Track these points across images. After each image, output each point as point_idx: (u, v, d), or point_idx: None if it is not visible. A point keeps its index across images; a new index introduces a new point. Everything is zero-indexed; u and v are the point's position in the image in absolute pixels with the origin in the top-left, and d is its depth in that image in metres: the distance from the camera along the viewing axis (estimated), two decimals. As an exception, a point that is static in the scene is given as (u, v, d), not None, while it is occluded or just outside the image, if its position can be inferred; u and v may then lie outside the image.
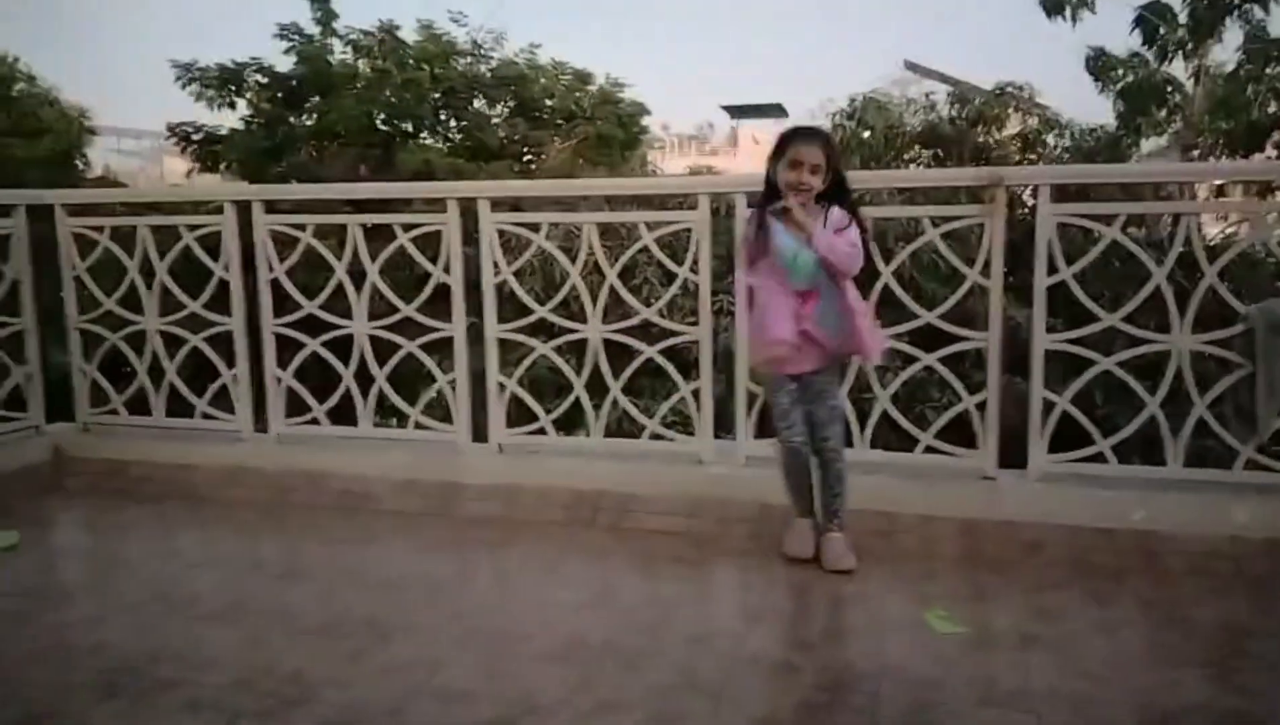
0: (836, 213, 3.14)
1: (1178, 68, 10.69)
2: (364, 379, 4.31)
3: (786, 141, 3.14)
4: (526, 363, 4.22)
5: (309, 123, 11.21)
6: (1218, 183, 7.32)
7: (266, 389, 4.38)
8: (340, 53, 11.24)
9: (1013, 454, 3.73)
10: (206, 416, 4.51)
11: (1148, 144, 10.57)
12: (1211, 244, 4.91)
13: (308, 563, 3.53)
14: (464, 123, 11.55)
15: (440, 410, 4.27)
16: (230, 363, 4.43)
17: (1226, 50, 10.63)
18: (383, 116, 11.06)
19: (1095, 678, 2.54)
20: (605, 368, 4.04)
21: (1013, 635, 2.79)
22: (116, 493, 4.27)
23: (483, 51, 11.66)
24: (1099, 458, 3.60)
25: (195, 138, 11.40)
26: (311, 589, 3.25)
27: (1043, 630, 2.81)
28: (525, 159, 11.51)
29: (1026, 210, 5.14)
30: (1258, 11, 10.30)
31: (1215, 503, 3.36)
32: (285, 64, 11.14)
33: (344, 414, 4.40)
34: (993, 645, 2.74)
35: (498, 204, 4.13)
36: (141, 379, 4.58)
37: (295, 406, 4.44)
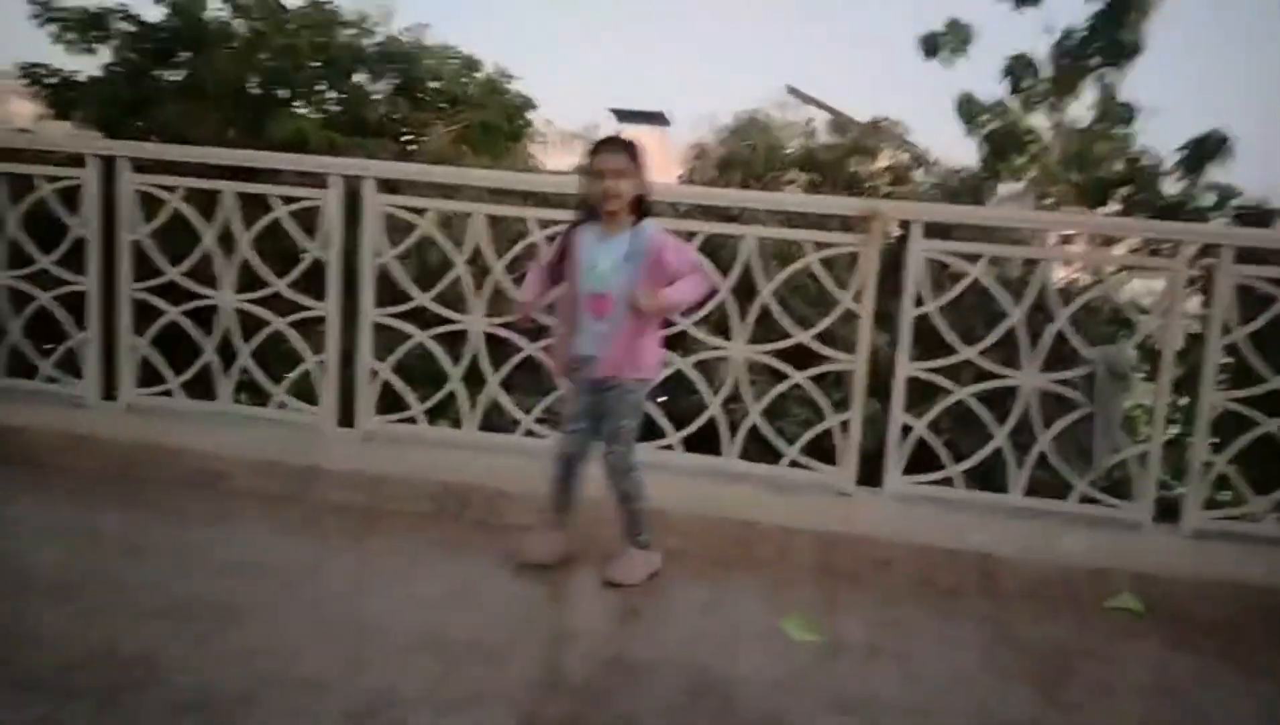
0: (650, 229, 3.14)
1: (1038, 119, 11.38)
2: (225, 354, 4.15)
3: (591, 153, 3.15)
4: (402, 350, 4.14)
5: (176, 79, 10.63)
6: (1065, 233, 7.87)
7: (119, 355, 4.16)
8: (217, 9, 10.71)
9: (865, 473, 3.91)
10: (50, 379, 4.24)
11: (1006, 188, 11.20)
12: (1056, 288, 5.27)
13: (155, 540, 3.36)
14: (343, 95, 11.18)
15: (296, 390, 4.14)
16: (81, 325, 4.19)
17: (1082, 106, 11.40)
18: (257, 80, 10.59)
19: (934, 690, 2.69)
20: (485, 361, 4.01)
21: (862, 646, 2.92)
22: (-57, 454, 3.97)
23: (368, 25, 11.33)
24: (948, 481, 3.82)
25: (49, 81, 10.64)
26: (158, 567, 3.10)
27: (889, 642, 2.96)
28: (405, 139, 11.23)
29: (891, 241, 5.36)
30: (1111, 74, 11.09)
31: (1050, 531, 3.61)
32: (155, 15, 10.54)
33: (200, 390, 4.22)
34: (843, 654, 2.86)
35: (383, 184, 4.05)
36: (-20, 335, 4.27)
37: (148, 377, 4.23)
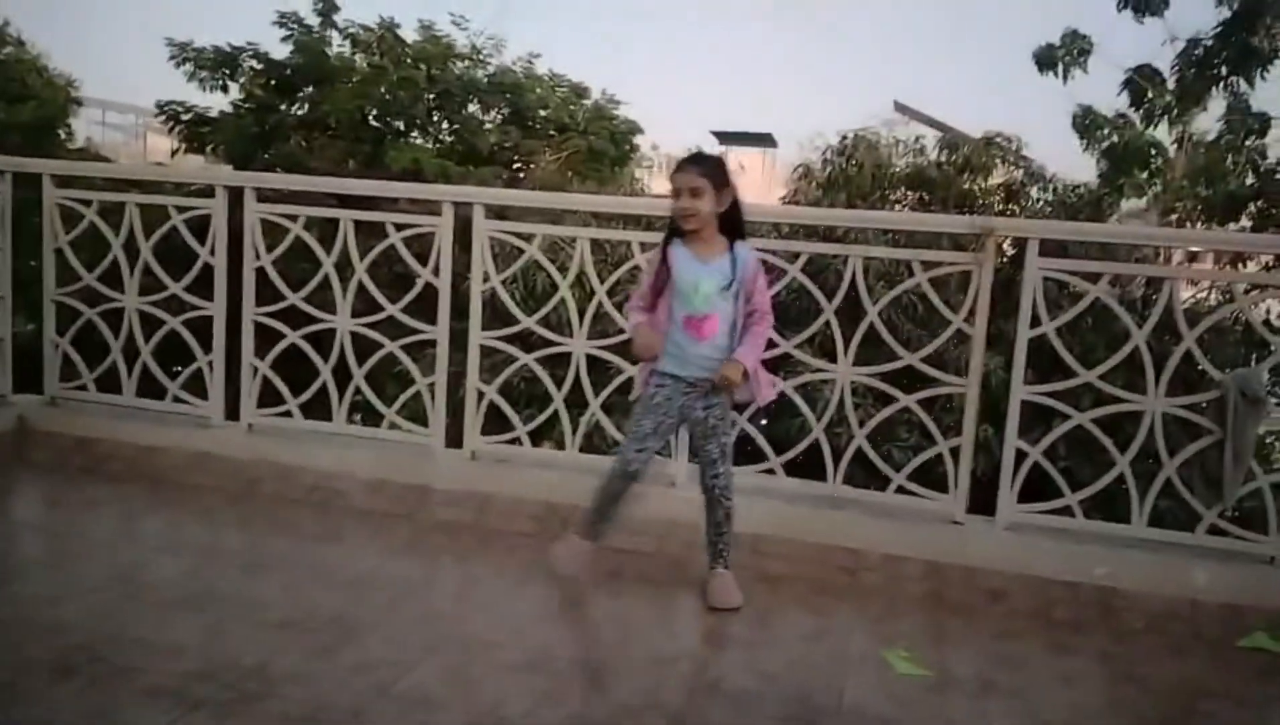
0: (747, 256, 3.14)
1: (1162, 132, 10.93)
2: (340, 375, 4.29)
3: (671, 177, 3.16)
4: (507, 372, 4.21)
5: (300, 112, 11.16)
6: (1192, 250, 7.48)
7: (241, 377, 4.35)
8: (338, 45, 11.21)
9: (976, 500, 3.78)
10: (178, 400, 4.46)
11: (1127, 205, 10.77)
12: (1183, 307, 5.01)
13: (274, 555, 3.49)
14: (456, 126, 11.54)
15: (408, 411, 4.26)
16: (206, 347, 4.39)
17: (1210, 119, 10.89)
18: (375, 112, 11.03)
19: (1052, 728, 2.58)
20: (586, 383, 4.04)
21: (973, 681, 2.82)
22: (81, 470, 4.21)
23: (481, 56, 11.68)
24: (1065, 510, 3.66)
25: (184, 118, 11.31)
26: (277, 582, 3.22)
27: (1002, 677, 2.85)
28: (515, 166, 11.51)
29: (1004, 260, 5.20)
30: (1242, 84, 10.56)
31: (1176, 564, 3.42)
32: (281, 52, 11.09)
33: (313, 408, 4.38)
34: (952, 689, 2.76)
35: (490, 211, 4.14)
36: (114, 356, 4.52)
37: (266, 397, 4.41)
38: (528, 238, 4.11)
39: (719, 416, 3.19)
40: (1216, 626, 3.22)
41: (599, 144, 11.51)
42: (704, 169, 3.10)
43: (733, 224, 3.15)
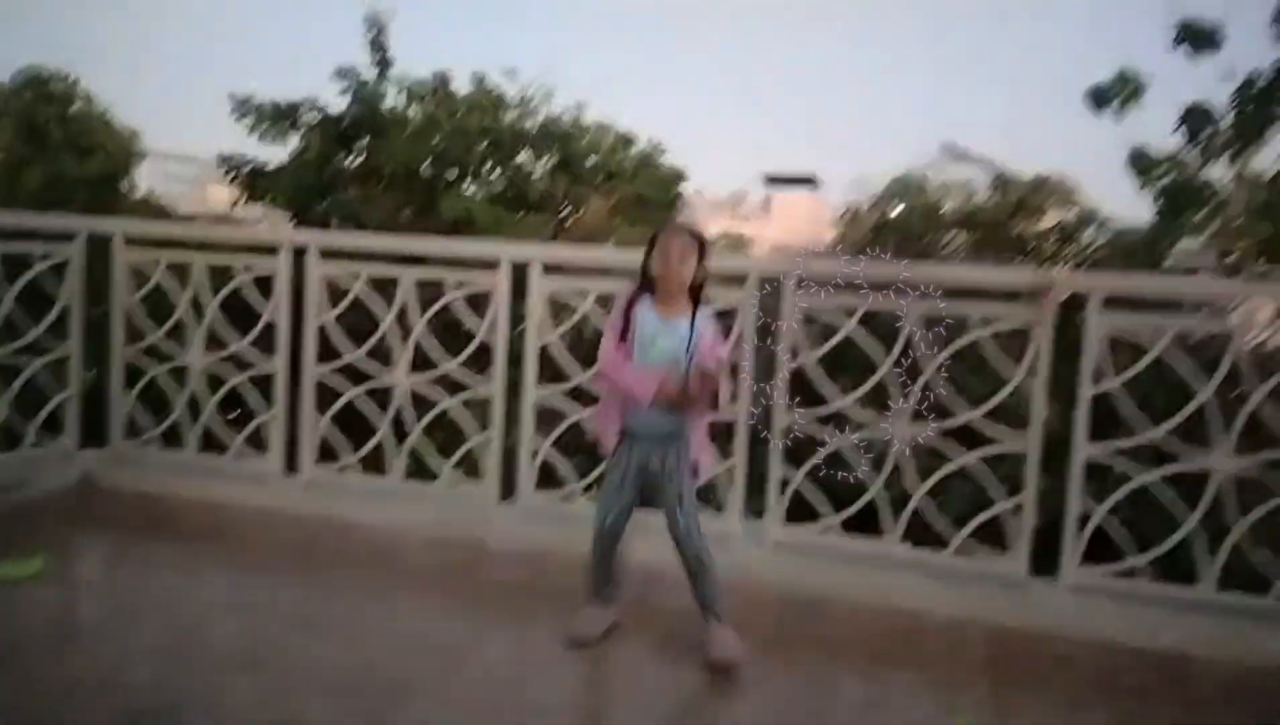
0: (705, 317, 3.27)
1: (1219, 170, 10.74)
2: (396, 431, 4.35)
3: (657, 235, 3.29)
4: (561, 427, 4.23)
5: (356, 163, 11.42)
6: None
7: (300, 432, 4.42)
8: (393, 98, 11.48)
9: (1040, 561, 3.70)
10: (239, 456, 4.54)
11: (1184, 245, 10.58)
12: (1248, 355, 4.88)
13: (330, 614, 3.52)
14: (506, 174, 11.73)
15: (464, 466, 4.29)
16: (267, 404, 4.48)
17: (1269, 156, 10.68)
18: (428, 162, 11.25)
19: (1125, 806, 2.50)
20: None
21: (1041, 753, 2.75)
22: (143, 526, 4.28)
23: (531, 106, 11.89)
24: (1131, 572, 3.57)
25: (244, 170, 11.62)
26: (333, 642, 3.24)
27: (1071, 750, 2.77)
28: (563, 214, 11.65)
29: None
30: (1302, 119, 10.38)
31: (1249, 629, 3.32)
32: (339, 105, 11.39)
33: (368, 463, 4.43)
34: (1020, 762, 2.70)
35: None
36: (178, 413, 4.62)
37: (324, 453, 4.48)
38: (582, 293, 4.15)
39: (672, 464, 3.23)
40: (1293, 696, 3.11)
41: (645, 191, 11.63)
42: (698, 240, 3.28)
43: (697, 293, 3.28)
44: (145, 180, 17.01)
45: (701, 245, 3.27)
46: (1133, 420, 3.59)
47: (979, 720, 2.87)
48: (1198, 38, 10.63)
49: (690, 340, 3.20)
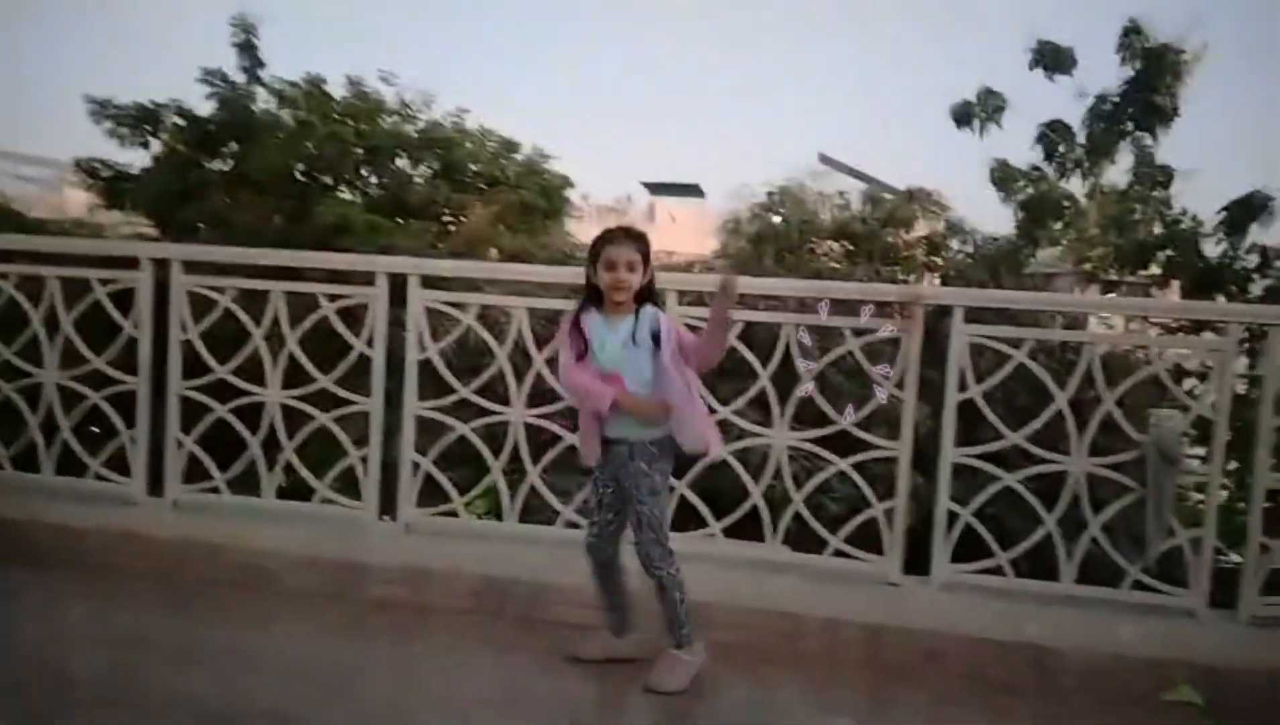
0: (650, 311, 3.14)
1: (1074, 184, 11.37)
2: (270, 448, 4.21)
3: (600, 245, 3.15)
4: (443, 442, 4.16)
5: (224, 169, 10.98)
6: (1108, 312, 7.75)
7: (165, 452, 4.23)
8: (264, 101, 11.08)
9: (912, 559, 3.85)
10: (99, 477, 4.32)
11: (1043, 254, 11.15)
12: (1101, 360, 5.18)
13: (205, 644, 3.37)
14: (384, 180, 11.46)
15: (339, 484, 4.18)
16: (129, 422, 4.27)
17: (1119, 171, 11.37)
18: (302, 168, 10.90)
19: (993, 797, 2.61)
20: (524, 451, 4.02)
21: (915, 749, 2.85)
22: (-4, 554, 4.03)
23: (410, 111, 11.65)
24: (998, 569, 3.75)
25: (103, 175, 11.04)
26: (208, 674, 3.10)
27: (943, 744, 2.88)
28: (445, 221, 11.45)
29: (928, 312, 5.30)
30: (1147, 138, 11.08)
31: (1104, 620, 3.52)
32: (205, 107, 10.91)
33: (242, 483, 4.28)
34: (895, 759, 2.79)
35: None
36: (33, 434, 4.37)
37: (191, 473, 4.30)
38: (462, 307, 4.10)
39: (634, 483, 3.12)
40: (1143, 681, 3.29)
41: (530, 197, 11.52)
42: (640, 246, 3.14)
43: (647, 294, 3.18)
44: (-5, 183, 15.98)
45: (645, 251, 3.15)
46: (997, 425, 3.75)
47: (856, 719, 2.95)
48: (1054, 59, 11.23)
49: (635, 337, 3.08)
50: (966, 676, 3.34)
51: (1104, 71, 11.24)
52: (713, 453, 3.29)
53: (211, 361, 4.20)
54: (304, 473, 4.22)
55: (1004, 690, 3.27)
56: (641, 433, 3.10)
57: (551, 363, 3.96)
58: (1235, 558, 3.71)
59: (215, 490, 4.24)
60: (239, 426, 4.23)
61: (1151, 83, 10.79)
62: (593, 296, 3.18)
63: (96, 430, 4.45)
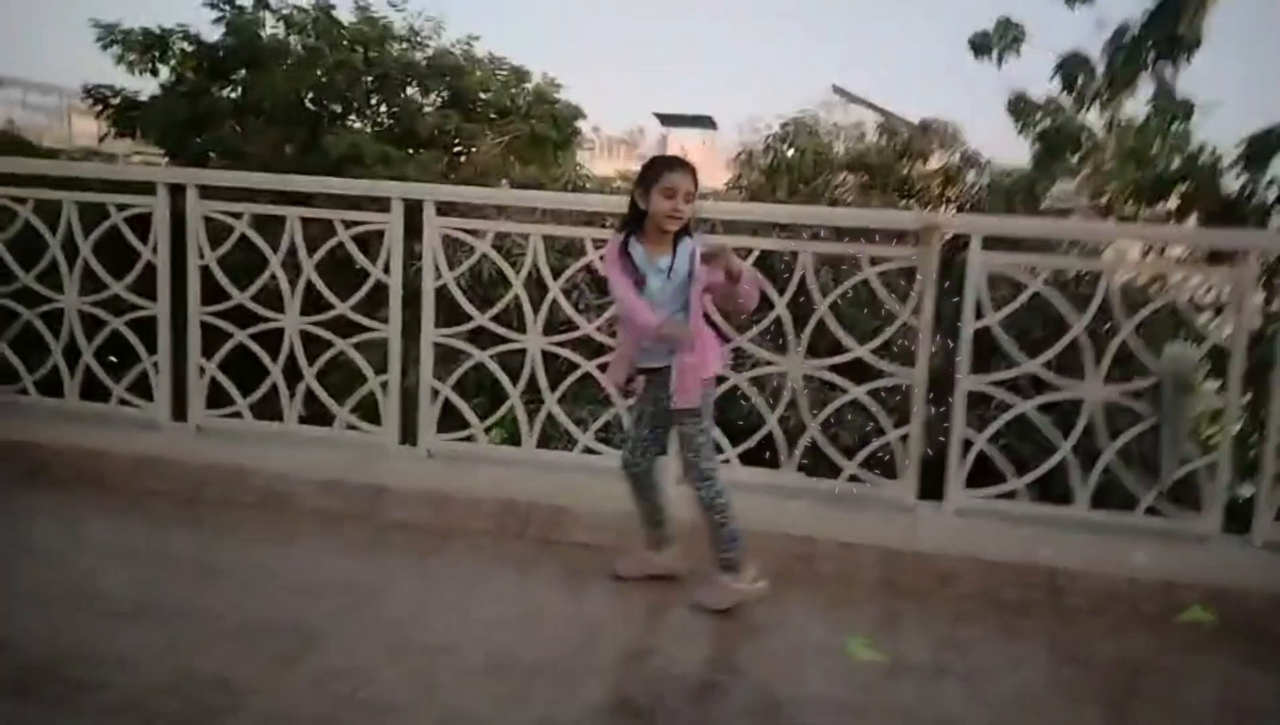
0: (689, 244, 3.11)
1: (1093, 117, 11.21)
2: (291, 374, 4.24)
3: (660, 170, 3.09)
4: (461, 369, 4.19)
5: (234, 96, 10.88)
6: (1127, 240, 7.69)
7: (188, 378, 4.27)
8: (271, 27, 10.93)
9: (927, 485, 3.88)
10: (123, 402, 4.37)
11: (1059, 187, 11.03)
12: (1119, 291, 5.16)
13: (225, 561, 3.45)
14: (394, 109, 11.35)
15: (361, 411, 4.22)
16: (151, 348, 4.31)
17: (1138, 104, 11.20)
18: (311, 96, 10.79)
19: (1002, 709, 2.68)
20: (542, 379, 4.05)
21: (927, 665, 2.91)
22: (22, 475, 4.09)
23: (419, 39, 11.49)
24: (1011, 494, 3.78)
25: (113, 101, 10.96)
26: (230, 589, 3.18)
27: (954, 661, 2.94)
28: (456, 151, 11.36)
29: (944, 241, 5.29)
30: (1168, 70, 10.89)
31: (1117, 544, 3.56)
32: (213, 33, 10.78)
33: (266, 408, 4.32)
34: (907, 674, 2.85)
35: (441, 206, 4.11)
36: (55, 359, 4.41)
37: (215, 398, 4.34)
38: (478, 234, 4.09)
39: (690, 417, 3.13)
40: (1155, 603, 3.35)
41: (541, 128, 11.40)
42: (696, 176, 3.10)
43: (686, 225, 3.16)
44: (3, 110, 15.89)
45: (698, 182, 3.11)
46: (1012, 353, 3.76)
47: (869, 637, 3.01)
48: (1074, -12, 11.01)
49: (672, 268, 3.08)
50: (979, 598, 3.40)
51: (1127, 1, 11.02)
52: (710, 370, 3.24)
53: (230, 288, 4.21)
54: (325, 398, 4.25)
55: (1016, 612, 3.32)
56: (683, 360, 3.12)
57: (568, 293, 3.98)
58: (1247, 491, 3.73)
59: (238, 415, 4.29)
60: (259, 352, 4.26)
61: (1174, 12, 10.56)
62: (634, 221, 3.14)
63: (115, 360, 4.47)
